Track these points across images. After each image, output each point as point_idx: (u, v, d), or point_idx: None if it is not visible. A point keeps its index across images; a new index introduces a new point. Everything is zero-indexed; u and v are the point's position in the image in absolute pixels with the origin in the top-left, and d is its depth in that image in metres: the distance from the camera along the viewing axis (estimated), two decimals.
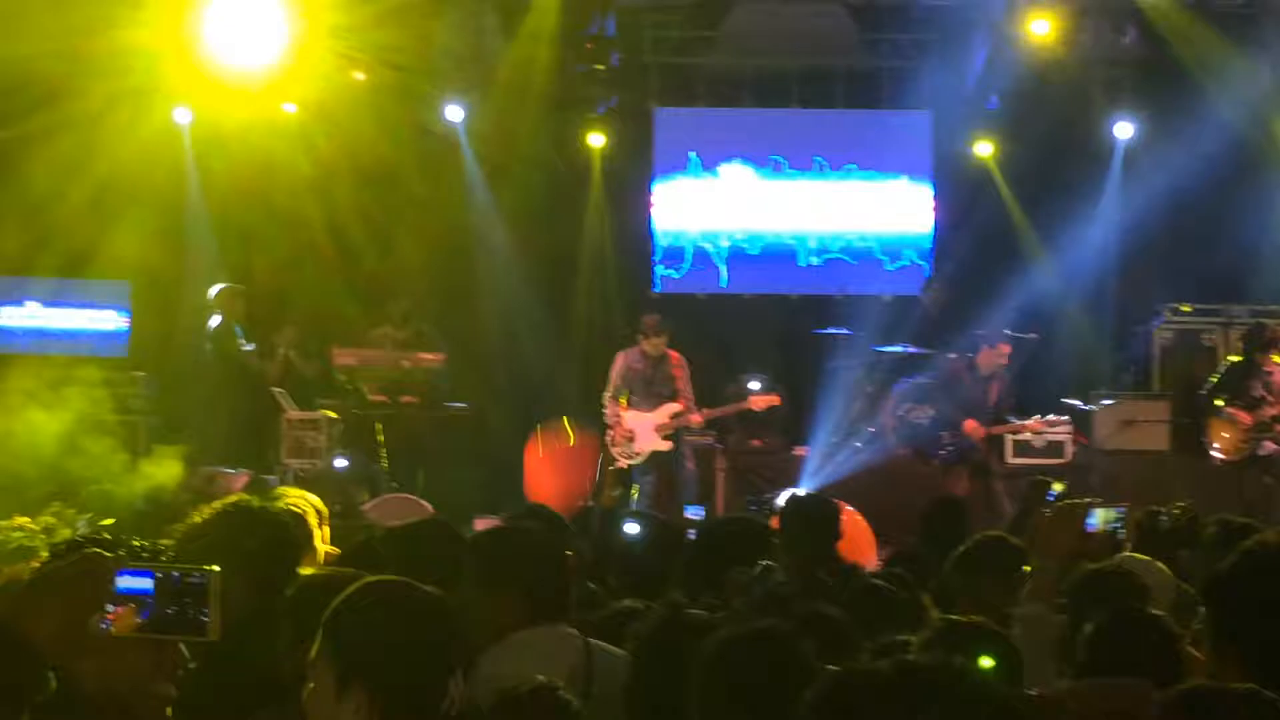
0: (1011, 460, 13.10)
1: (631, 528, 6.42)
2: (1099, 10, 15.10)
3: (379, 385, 13.10)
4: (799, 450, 13.71)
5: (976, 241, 14.80)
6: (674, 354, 12.76)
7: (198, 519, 4.33)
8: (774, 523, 6.83)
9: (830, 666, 2.68)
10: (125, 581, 2.75)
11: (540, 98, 15.05)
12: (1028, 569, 4.99)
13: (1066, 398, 13.66)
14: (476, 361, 14.58)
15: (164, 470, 9.71)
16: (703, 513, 10.99)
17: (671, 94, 16.04)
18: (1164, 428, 13.63)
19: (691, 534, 6.64)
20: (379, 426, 13.10)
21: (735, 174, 15.98)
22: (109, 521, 7.35)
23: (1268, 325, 13.22)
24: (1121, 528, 6.00)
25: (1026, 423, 12.89)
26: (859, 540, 10.51)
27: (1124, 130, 15.23)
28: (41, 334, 14.14)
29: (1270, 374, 12.94)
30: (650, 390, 12.64)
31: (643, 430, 12.58)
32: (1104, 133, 15.28)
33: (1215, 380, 13.19)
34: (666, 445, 12.61)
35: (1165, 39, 14.68)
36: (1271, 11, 14.99)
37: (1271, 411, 12.82)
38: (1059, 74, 14.88)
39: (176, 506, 8.03)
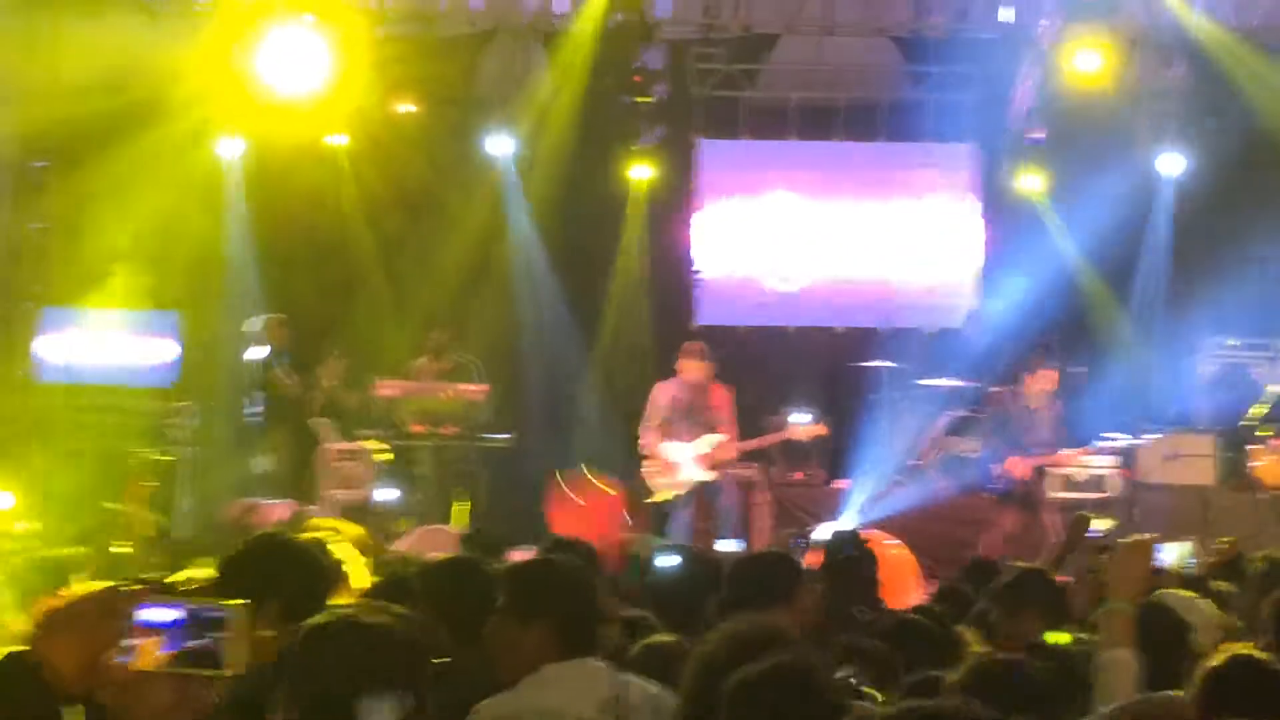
0: (1053, 494, 12.96)
1: (667, 560, 6.39)
2: (1147, 42, 15.01)
3: (419, 416, 13.11)
4: (840, 483, 13.64)
5: (1023, 274, 14.75)
6: (717, 385, 12.73)
7: (232, 551, 4.36)
8: (808, 559, 6.80)
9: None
10: (149, 614, 2.74)
11: (585, 130, 15.09)
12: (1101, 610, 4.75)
13: (1111, 431, 13.54)
14: (517, 393, 14.59)
15: None
16: (739, 546, 10.93)
17: (716, 126, 16.04)
18: (1209, 461, 13.48)
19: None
20: (418, 458, 13.11)
21: (778, 206, 15.96)
22: (129, 549, 7.39)
23: None
24: (1194, 563, 5.93)
25: (1068, 454, 12.63)
26: (904, 575, 10.47)
27: (1171, 162, 15.14)
28: (93, 364, 14.16)
29: None
30: (692, 420, 12.60)
31: (685, 461, 12.54)
32: (1151, 165, 15.20)
33: (1261, 412, 13.07)
34: (712, 475, 12.53)
35: (1214, 70, 14.57)
36: None
37: None
38: (1105, 106, 14.80)
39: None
